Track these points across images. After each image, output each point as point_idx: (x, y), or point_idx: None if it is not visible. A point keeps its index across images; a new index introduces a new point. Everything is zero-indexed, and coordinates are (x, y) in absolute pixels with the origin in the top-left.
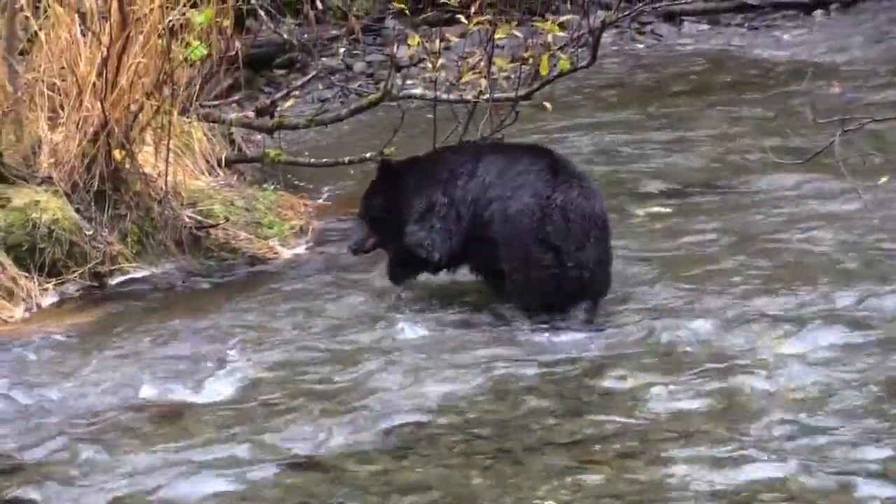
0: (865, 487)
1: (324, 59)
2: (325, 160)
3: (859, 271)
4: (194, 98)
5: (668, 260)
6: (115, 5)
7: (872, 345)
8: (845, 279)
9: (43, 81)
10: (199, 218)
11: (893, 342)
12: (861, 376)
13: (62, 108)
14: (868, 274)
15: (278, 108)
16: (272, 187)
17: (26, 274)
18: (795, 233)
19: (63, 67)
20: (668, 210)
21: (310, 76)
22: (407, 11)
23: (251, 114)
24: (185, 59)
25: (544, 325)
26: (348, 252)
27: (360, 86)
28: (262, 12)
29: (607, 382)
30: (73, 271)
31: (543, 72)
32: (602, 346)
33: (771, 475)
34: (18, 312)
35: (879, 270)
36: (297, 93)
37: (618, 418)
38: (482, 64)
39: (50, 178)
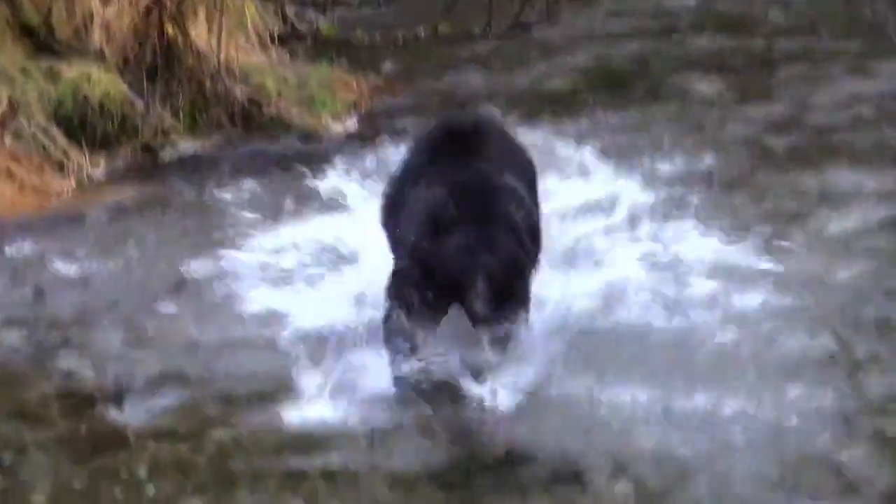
0: None
1: None
2: (378, 37)
3: None
4: None
5: None
6: None
7: None
8: None
9: None
10: (251, 93)
11: None
12: None
13: None
14: None
15: None
16: (325, 64)
17: (77, 147)
18: None
19: None
20: None
21: None
22: None
23: None
24: None
25: None
26: None
27: None
28: None
29: None
30: (125, 145)
31: None
32: None
33: None
34: (70, 186)
35: None
36: None
37: None
38: None
39: (102, 52)
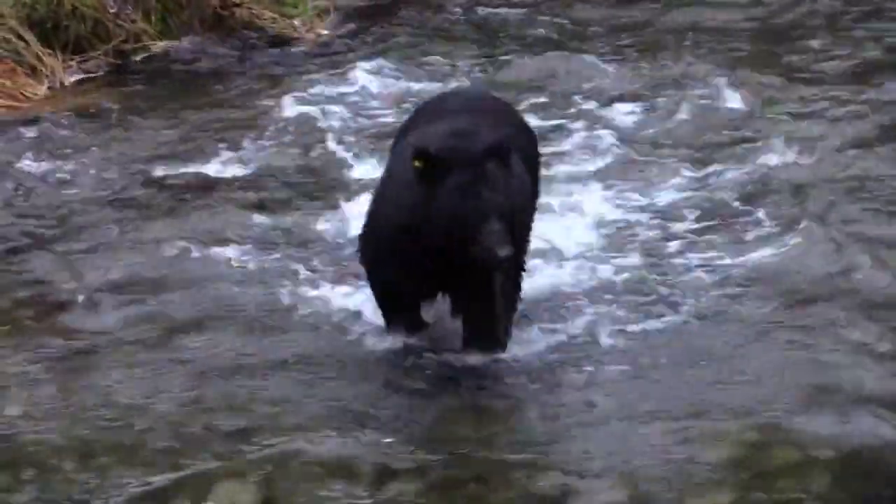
0: None
1: None
2: None
3: None
4: None
5: None
6: None
7: None
8: None
9: None
10: None
11: None
12: None
13: None
14: None
15: None
16: None
17: (50, 51)
18: None
19: None
20: None
21: None
22: None
23: None
24: None
25: None
26: None
27: None
28: None
29: None
30: (97, 49)
31: None
32: None
33: None
34: (42, 89)
35: None
36: None
37: None
38: None
39: None
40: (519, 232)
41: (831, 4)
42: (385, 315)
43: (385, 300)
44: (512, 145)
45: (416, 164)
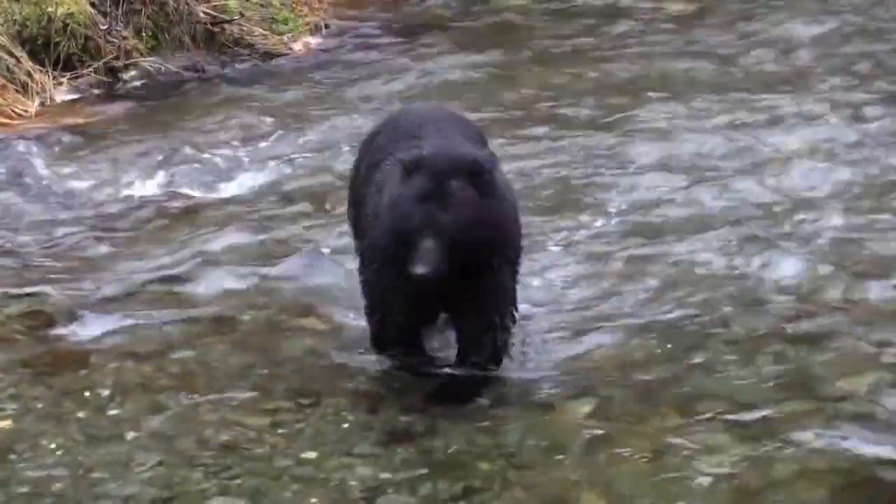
0: None
1: None
2: None
3: None
4: None
5: None
6: None
7: None
8: None
9: None
10: (214, 13)
11: None
12: None
13: None
14: None
15: None
16: None
17: (41, 68)
18: None
19: None
20: None
21: None
22: None
23: None
24: None
25: None
26: None
27: None
28: None
29: None
30: (88, 66)
31: None
32: None
33: None
34: (33, 107)
35: None
36: None
37: None
38: None
39: None
40: (499, 251)
41: None
42: (382, 341)
43: (384, 327)
44: (495, 165)
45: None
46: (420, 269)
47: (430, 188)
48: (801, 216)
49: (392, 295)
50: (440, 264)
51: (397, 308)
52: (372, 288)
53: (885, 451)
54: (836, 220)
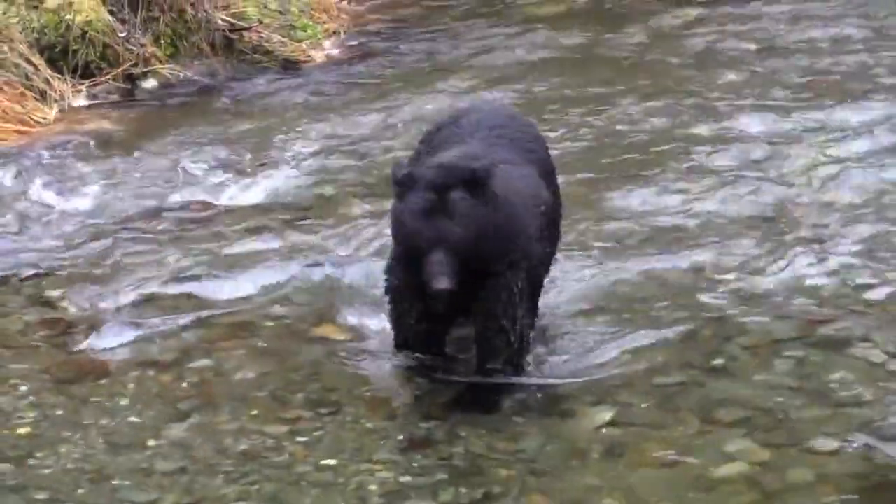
0: None
1: None
2: None
3: None
4: None
5: None
6: None
7: None
8: None
9: None
10: (233, 20)
11: None
12: None
13: None
14: None
15: None
16: None
17: (59, 76)
18: None
19: None
20: None
21: None
22: None
23: None
24: None
25: None
26: None
27: None
28: None
29: None
30: (107, 73)
31: None
32: None
33: None
34: (51, 114)
35: None
36: None
37: None
38: None
39: None
40: (502, 258)
41: None
42: (403, 345)
43: (404, 330)
44: (491, 174)
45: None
46: (437, 285)
47: (431, 201)
48: (822, 221)
49: (409, 301)
50: (453, 277)
51: (415, 313)
52: (392, 292)
53: None
54: (858, 225)
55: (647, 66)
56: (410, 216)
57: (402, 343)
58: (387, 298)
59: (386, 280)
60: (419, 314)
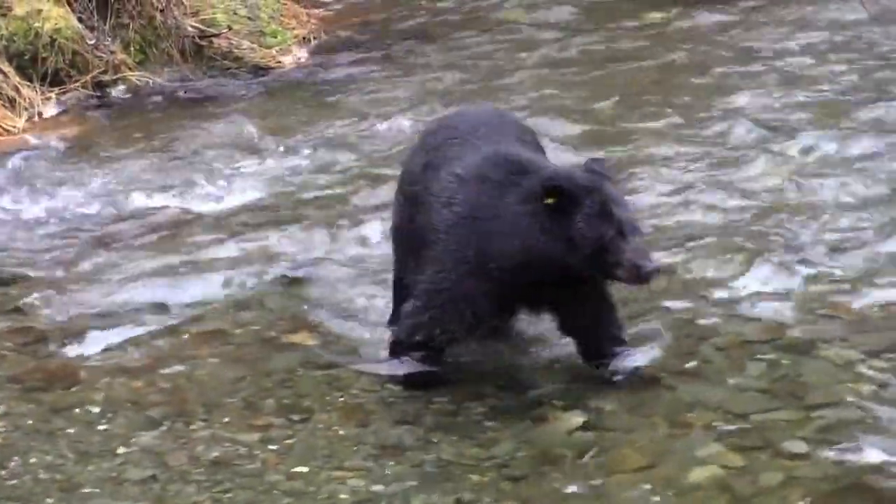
0: None
1: None
2: None
3: None
4: None
5: None
6: None
7: None
8: None
9: None
10: (202, 27)
11: None
12: None
13: None
14: None
15: None
16: None
17: (28, 83)
18: None
19: None
20: None
21: None
22: None
23: None
24: None
25: None
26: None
27: None
28: None
29: None
30: (76, 81)
31: None
32: None
33: None
34: (21, 122)
35: None
36: None
37: None
38: None
39: None
40: None
41: None
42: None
43: (425, 330)
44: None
45: (549, 200)
46: (657, 264)
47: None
48: (792, 225)
49: (464, 304)
50: None
51: (463, 316)
52: (439, 293)
53: (873, 458)
54: (828, 229)
55: (619, 72)
56: (601, 211)
57: (406, 345)
58: (417, 300)
59: (428, 285)
60: (462, 320)
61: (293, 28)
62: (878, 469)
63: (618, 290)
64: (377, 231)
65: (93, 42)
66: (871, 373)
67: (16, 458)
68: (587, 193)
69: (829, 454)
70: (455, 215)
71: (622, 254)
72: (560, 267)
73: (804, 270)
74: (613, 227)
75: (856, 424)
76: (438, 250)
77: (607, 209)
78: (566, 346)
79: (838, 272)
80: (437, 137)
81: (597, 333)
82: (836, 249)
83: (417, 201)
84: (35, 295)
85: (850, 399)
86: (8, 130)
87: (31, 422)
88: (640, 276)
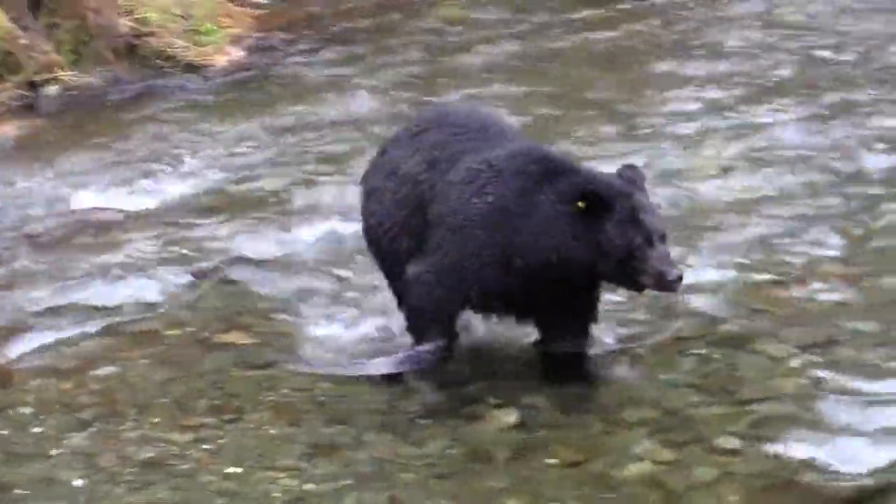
0: None
1: None
2: None
3: None
4: None
5: None
6: None
7: None
8: None
9: None
10: (135, 25)
11: None
12: None
13: None
14: None
15: None
16: None
17: None
18: None
19: None
20: None
21: None
22: None
23: None
24: None
25: None
26: None
27: None
28: None
29: None
30: (8, 81)
31: None
32: None
33: None
34: None
35: None
36: None
37: None
38: None
39: None
40: None
41: None
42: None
43: (439, 321)
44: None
45: (581, 203)
46: (680, 272)
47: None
48: (725, 220)
49: (476, 289)
50: None
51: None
52: (453, 272)
53: (806, 453)
54: (760, 224)
55: (555, 67)
56: (631, 218)
57: (426, 330)
58: (438, 289)
59: (428, 282)
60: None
61: (227, 26)
62: (810, 465)
63: None
64: (312, 229)
65: (25, 42)
66: (803, 368)
67: None
68: (619, 200)
69: (762, 449)
70: (487, 205)
71: (648, 261)
72: (584, 270)
73: (735, 264)
74: (641, 235)
75: (788, 419)
76: (461, 235)
77: (637, 216)
78: (505, 345)
79: (771, 267)
80: (435, 134)
81: (569, 329)
82: (769, 244)
83: (423, 197)
84: None
85: (782, 394)
86: None
87: None
88: (664, 284)
